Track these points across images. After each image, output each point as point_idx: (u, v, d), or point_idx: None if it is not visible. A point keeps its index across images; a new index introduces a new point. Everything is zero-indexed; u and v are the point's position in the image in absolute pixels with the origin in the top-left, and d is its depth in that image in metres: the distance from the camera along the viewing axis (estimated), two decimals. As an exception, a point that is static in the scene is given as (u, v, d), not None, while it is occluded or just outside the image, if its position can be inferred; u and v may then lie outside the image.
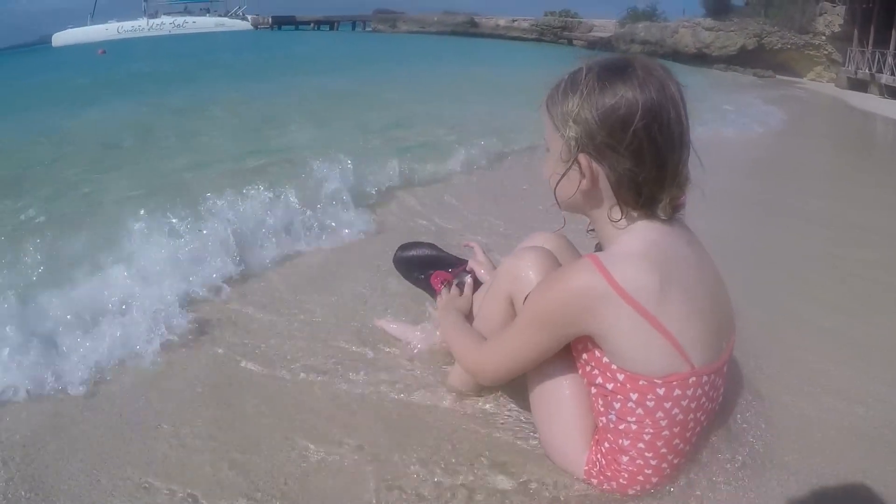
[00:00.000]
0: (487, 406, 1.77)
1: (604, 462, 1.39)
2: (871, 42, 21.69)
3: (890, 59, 19.56)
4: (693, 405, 1.31)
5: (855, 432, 1.69)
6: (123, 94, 12.86)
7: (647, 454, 1.34)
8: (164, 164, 5.82)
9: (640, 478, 1.37)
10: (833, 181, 5.79)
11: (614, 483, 1.39)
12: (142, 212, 2.80)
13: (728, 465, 1.52)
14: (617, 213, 1.29)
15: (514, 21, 44.95)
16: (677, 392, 1.28)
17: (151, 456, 1.59)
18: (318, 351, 2.10)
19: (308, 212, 3.30)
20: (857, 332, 2.33)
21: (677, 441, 1.34)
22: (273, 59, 25.40)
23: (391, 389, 1.87)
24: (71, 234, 3.11)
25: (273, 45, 39.44)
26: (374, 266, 2.80)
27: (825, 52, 25.69)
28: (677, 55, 27.00)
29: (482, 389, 1.80)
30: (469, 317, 1.80)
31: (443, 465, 1.54)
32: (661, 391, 1.27)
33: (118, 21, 69.81)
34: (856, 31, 23.28)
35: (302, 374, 1.97)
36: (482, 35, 44.56)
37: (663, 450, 1.34)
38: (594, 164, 1.27)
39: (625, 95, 1.21)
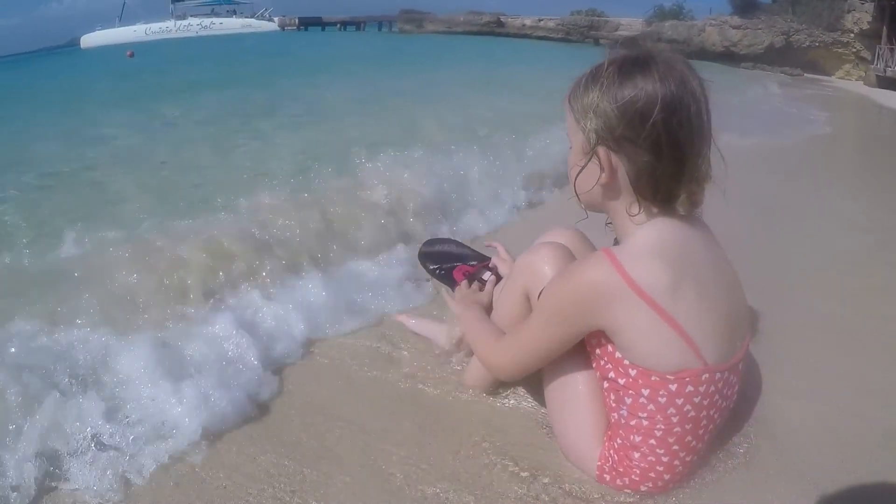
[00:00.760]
0: (503, 402, 1.79)
1: (616, 458, 1.39)
2: (900, 39, 21.20)
3: (919, 57, 19.11)
4: (706, 402, 1.31)
5: (875, 434, 1.66)
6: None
7: (658, 451, 1.34)
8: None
9: (652, 474, 1.37)
10: (867, 181, 5.60)
11: (626, 479, 1.39)
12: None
13: (738, 465, 1.51)
14: (635, 208, 1.29)
15: (539, 20, 44.64)
16: (689, 388, 1.28)
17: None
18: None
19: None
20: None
21: (690, 438, 1.34)
22: (339, 56, 25.33)
23: (407, 381, 1.90)
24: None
25: (313, 43, 38.82)
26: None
27: (854, 50, 25.12)
28: (704, 53, 26.54)
29: (499, 386, 1.81)
30: (489, 311, 1.81)
31: (454, 459, 1.55)
32: (672, 387, 1.27)
33: (146, 23, 70.80)
34: (885, 29, 22.68)
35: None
36: (508, 35, 44.33)
37: (675, 447, 1.34)
38: (613, 157, 1.27)
39: (644, 88, 1.21)
